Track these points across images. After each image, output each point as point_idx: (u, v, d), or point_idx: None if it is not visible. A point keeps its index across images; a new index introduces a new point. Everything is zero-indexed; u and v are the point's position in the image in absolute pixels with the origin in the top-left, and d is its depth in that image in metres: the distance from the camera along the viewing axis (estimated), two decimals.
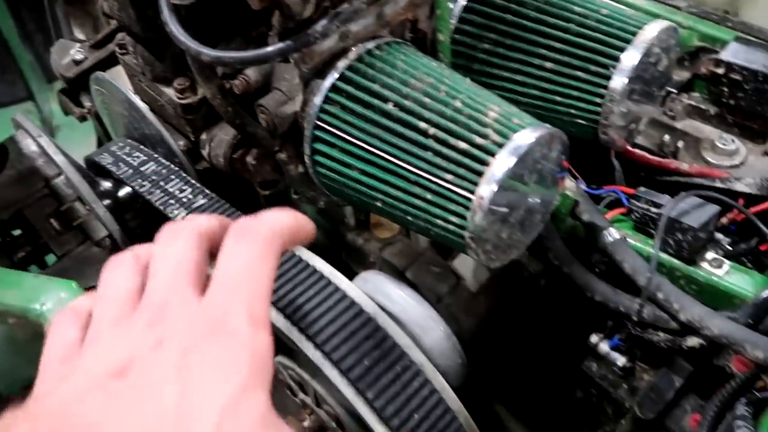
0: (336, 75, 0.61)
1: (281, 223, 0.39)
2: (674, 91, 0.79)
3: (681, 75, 0.80)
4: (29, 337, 1.13)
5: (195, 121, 0.81)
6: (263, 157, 0.80)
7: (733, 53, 0.73)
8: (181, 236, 0.38)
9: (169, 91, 0.81)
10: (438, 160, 0.54)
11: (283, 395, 0.80)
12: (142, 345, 0.32)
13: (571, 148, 0.81)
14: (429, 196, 0.55)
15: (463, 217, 0.53)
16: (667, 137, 0.76)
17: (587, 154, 0.79)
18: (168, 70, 0.80)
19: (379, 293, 0.76)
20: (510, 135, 0.53)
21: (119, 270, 0.38)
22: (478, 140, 0.53)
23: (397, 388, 0.53)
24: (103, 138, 1.06)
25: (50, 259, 0.77)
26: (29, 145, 0.75)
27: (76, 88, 1.05)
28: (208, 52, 0.61)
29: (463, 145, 0.53)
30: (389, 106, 0.57)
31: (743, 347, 0.51)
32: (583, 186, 0.70)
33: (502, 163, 0.51)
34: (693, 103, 0.79)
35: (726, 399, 0.52)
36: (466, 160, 0.53)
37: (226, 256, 0.36)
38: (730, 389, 0.52)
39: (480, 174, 0.52)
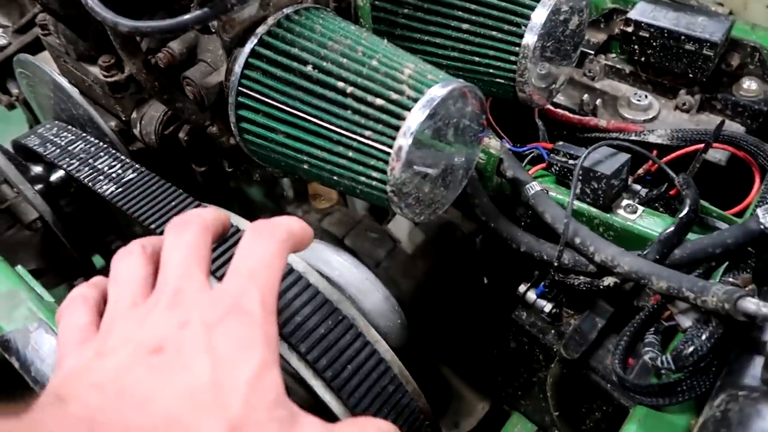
0: (255, 41, 0.61)
1: (293, 227, 0.42)
2: (591, 52, 0.82)
3: (598, 37, 0.84)
4: None
5: (124, 100, 0.80)
6: (195, 132, 0.80)
7: (641, 12, 0.76)
8: (190, 227, 0.40)
9: (95, 70, 0.80)
10: (357, 118, 0.56)
11: None
12: (168, 325, 0.35)
13: (498, 109, 0.84)
14: (351, 153, 0.56)
15: (383, 172, 0.55)
16: (586, 96, 0.80)
17: (513, 115, 0.82)
18: (92, 48, 0.79)
19: (317, 260, 0.77)
20: (424, 90, 0.55)
21: (130, 259, 0.40)
22: (394, 96, 0.55)
23: (329, 341, 0.55)
24: (34, 124, 1.04)
25: None
26: None
27: (1, 75, 1.02)
28: (125, 23, 0.61)
29: (379, 101, 0.55)
30: (308, 69, 0.58)
31: (650, 280, 0.54)
32: (508, 145, 0.73)
33: (416, 117, 0.53)
34: (610, 63, 0.83)
35: (636, 330, 0.55)
36: (383, 116, 0.54)
37: (244, 249, 0.39)
38: (639, 320, 0.55)
39: (396, 128, 0.54)
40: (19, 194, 0.71)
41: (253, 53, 0.61)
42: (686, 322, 0.53)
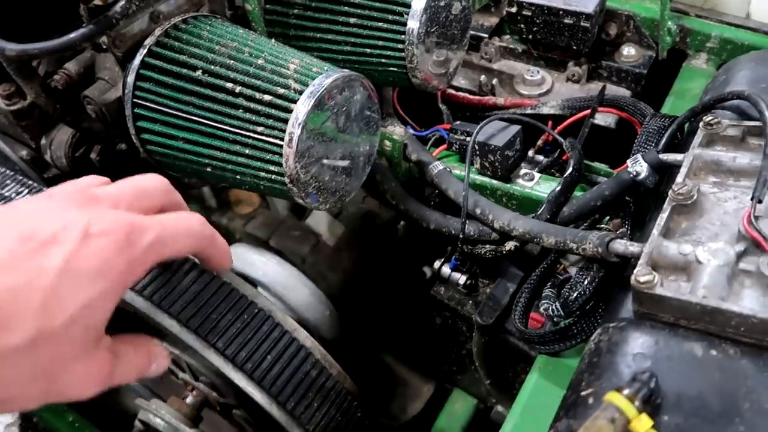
0: (144, 52, 0.62)
1: (206, 235, 0.48)
2: (485, 35, 0.86)
3: (490, 20, 0.88)
4: None
5: (30, 127, 0.80)
6: (106, 151, 0.80)
7: None
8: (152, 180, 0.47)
9: None
10: (248, 116, 0.57)
11: (170, 382, 0.80)
12: (59, 218, 0.40)
13: (405, 98, 0.87)
14: (248, 150, 0.58)
15: (279, 165, 0.57)
16: (483, 77, 0.84)
17: (419, 102, 0.85)
18: None
19: (240, 262, 0.78)
20: (309, 82, 0.57)
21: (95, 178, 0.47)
22: (281, 91, 0.57)
23: (246, 334, 0.56)
24: None
25: None
26: None
27: None
28: (12, 47, 0.61)
29: (267, 97, 0.57)
30: (198, 74, 0.60)
31: (540, 237, 0.57)
32: (411, 130, 0.76)
33: (302, 107, 0.55)
34: (503, 44, 0.87)
35: (534, 286, 0.58)
36: (272, 111, 0.56)
37: (177, 214, 0.47)
38: (536, 277, 0.58)
39: (286, 121, 0.56)
40: None
41: (144, 64, 0.62)
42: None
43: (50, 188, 0.45)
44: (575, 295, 0.50)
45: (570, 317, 0.51)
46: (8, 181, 0.72)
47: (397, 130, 0.75)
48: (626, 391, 0.35)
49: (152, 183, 0.47)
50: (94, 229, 0.39)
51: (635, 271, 0.43)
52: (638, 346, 0.40)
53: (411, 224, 0.72)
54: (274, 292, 0.75)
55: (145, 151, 0.66)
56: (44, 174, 0.85)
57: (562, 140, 0.69)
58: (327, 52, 0.73)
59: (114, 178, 0.75)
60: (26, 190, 0.71)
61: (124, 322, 0.56)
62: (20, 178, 0.73)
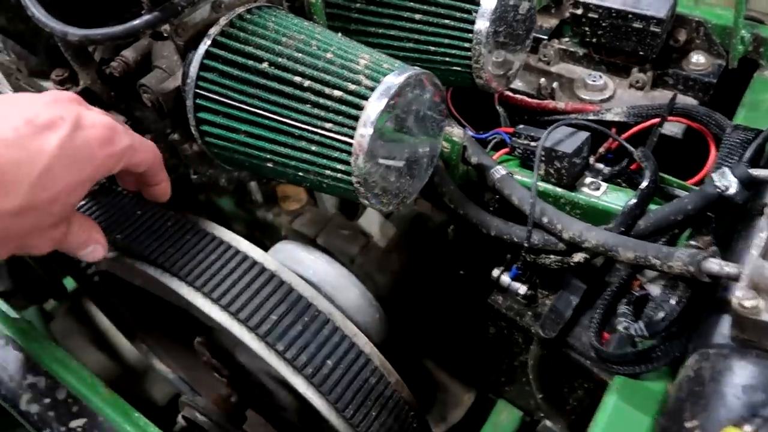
0: (209, 42, 0.61)
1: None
2: (545, 37, 0.83)
3: (550, 22, 0.85)
4: None
5: None
6: (157, 141, 0.78)
7: None
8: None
9: (49, 85, 0.78)
10: (316, 111, 0.55)
11: (211, 379, 0.79)
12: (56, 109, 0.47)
13: (459, 98, 0.85)
14: (314, 147, 0.56)
15: (347, 164, 0.55)
16: (543, 81, 0.81)
17: (474, 103, 0.82)
18: (44, 62, 0.77)
19: (290, 260, 0.76)
20: (380, 78, 0.55)
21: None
22: (352, 87, 0.55)
23: (306, 337, 0.54)
24: None
25: None
26: None
27: None
28: (74, 32, 0.60)
29: (337, 93, 0.55)
30: (264, 66, 0.58)
31: (616, 251, 0.55)
32: (470, 132, 0.74)
33: (375, 106, 0.53)
34: (563, 47, 0.84)
35: (609, 303, 0.56)
36: (343, 107, 0.54)
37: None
38: (611, 293, 0.56)
39: (356, 119, 0.54)
40: None
41: (208, 54, 0.60)
42: (656, 289, 0.54)
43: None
44: (662, 315, 0.47)
45: (653, 338, 0.49)
46: None
47: (455, 132, 0.72)
48: (748, 428, 0.33)
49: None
50: (83, 121, 0.47)
51: (737, 295, 0.40)
52: (747, 377, 0.37)
53: (468, 229, 0.70)
54: (324, 292, 0.73)
55: (203, 143, 0.65)
56: None
57: (633, 150, 0.66)
58: (388, 48, 0.71)
59: (167, 168, 0.73)
60: None
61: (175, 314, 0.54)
62: None
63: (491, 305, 0.69)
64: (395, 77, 0.55)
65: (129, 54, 0.70)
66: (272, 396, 0.69)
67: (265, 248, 0.88)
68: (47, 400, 0.44)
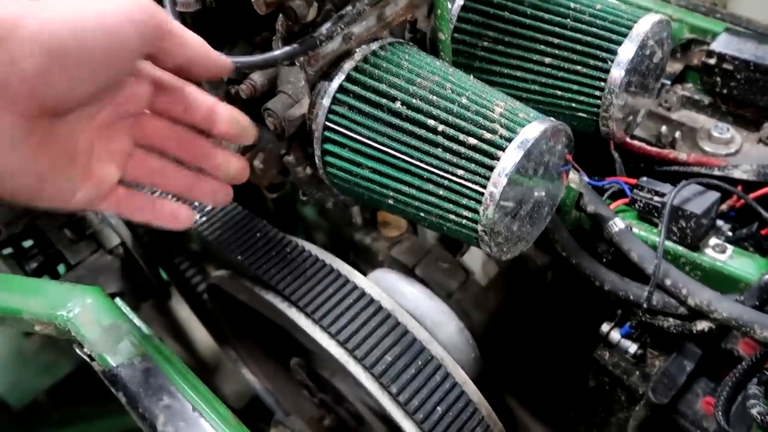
0: (343, 76, 0.62)
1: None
2: (668, 82, 0.81)
3: (673, 67, 0.82)
4: (36, 348, 1.13)
5: None
6: (270, 160, 0.81)
7: (724, 44, 0.75)
8: None
9: None
10: (449, 156, 0.55)
11: (299, 396, 0.81)
12: None
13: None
14: (441, 191, 0.56)
15: (475, 211, 0.54)
16: (664, 128, 0.78)
17: (587, 146, 0.80)
18: None
19: (391, 291, 0.77)
20: (517, 129, 0.54)
21: None
22: (487, 135, 0.54)
23: (419, 381, 0.54)
24: None
25: (61, 269, 0.78)
26: None
27: None
28: None
29: (472, 140, 0.55)
30: (397, 105, 0.58)
31: (752, 328, 0.52)
32: (586, 178, 0.72)
33: (511, 157, 0.53)
34: (687, 93, 0.81)
35: (738, 380, 0.53)
36: (476, 155, 0.54)
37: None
38: (742, 370, 0.53)
39: (490, 168, 0.53)
40: (102, 221, 0.73)
41: (341, 89, 0.62)
42: None
43: None
44: None
45: None
46: None
47: (572, 177, 0.71)
48: None
49: None
50: None
51: None
52: None
53: (578, 279, 0.68)
54: (425, 326, 0.74)
55: (324, 172, 0.66)
56: None
57: (766, 214, 0.63)
58: (512, 89, 0.70)
59: (274, 187, 0.75)
60: None
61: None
62: None
63: (596, 360, 0.67)
64: (532, 128, 0.54)
65: (257, 78, 0.72)
66: (364, 425, 0.70)
67: (360, 270, 0.90)
68: (182, 423, 0.46)
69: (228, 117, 0.52)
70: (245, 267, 0.62)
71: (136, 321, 0.53)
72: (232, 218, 0.69)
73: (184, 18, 0.64)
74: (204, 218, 0.68)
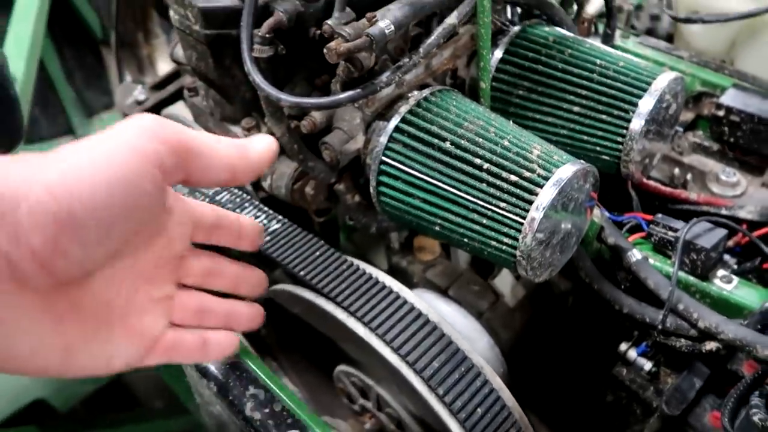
0: (399, 118, 0.71)
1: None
2: (680, 129, 0.90)
3: (686, 116, 0.92)
4: None
5: None
6: (319, 187, 0.90)
7: (732, 98, 0.84)
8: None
9: (236, 129, 0.91)
10: (492, 191, 0.64)
11: (336, 404, 0.88)
12: None
13: None
14: (485, 221, 0.65)
15: (515, 239, 0.63)
16: (677, 170, 0.87)
17: (607, 185, 0.89)
18: (237, 111, 0.90)
19: (431, 308, 0.85)
20: (553, 170, 0.63)
21: None
22: (526, 174, 0.63)
23: (462, 386, 0.62)
24: None
25: None
26: None
27: None
28: (287, 98, 0.72)
29: (513, 178, 0.64)
30: (447, 145, 0.67)
31: (755, 347, 0.60)
32: (607, 213, 0.81)
33: (547, 193, 0.61)
34: (697, 140, 0.90)
35: (742, 393, 0.61)
36: (517, 191, 0.63)
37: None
38: (745, 384, 0.61)
39: (529, 202, 0.62)
40: None
41: (396, 129, 0.71)
42: None
43: None
44: None
45: None
46: (246, 205, 0.83)
47: (595, 212, 0.79)
48: None
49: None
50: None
51: None
52: None
53: (595, 302, 0.76)
54: None
55: (378, 201, 0.75)
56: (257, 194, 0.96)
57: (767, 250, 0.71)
58: (543, 132, 0.79)
59: (322, 212, 0.83)
60: (263, 215, 0.81)
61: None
62: (257, 203, 0.84)
63: (615, 376, 0.75)
64: (566, 170, 0.63)
65: (318, 116, 0.81)
66: (404, 429, 0.77)
67: None
68: (267, 410, 0.53)
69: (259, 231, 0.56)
70: (306, 281, 0.71)
71: None
72: (294, 237, 0.77)
73: (258, 63, 0.74)
74: (267, 237, 0.77)
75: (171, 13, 0.80)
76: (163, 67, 1.45)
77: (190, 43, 0.81)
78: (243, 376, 0.56)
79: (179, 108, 1.06)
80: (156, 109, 1.11)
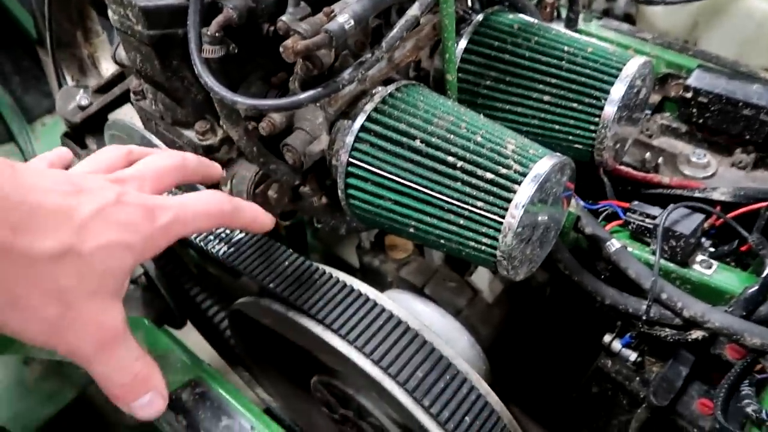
0: (364, 116, 0.67)
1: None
2: (648, 112, 0.88)
3: (653, 98, 0.90)
4: (38, 376, 1.13)
5: (215, 161, 0.86)
6: (283, 190, 0.85)
7: (699, 79, 0.83)
8: (171, 159, 0.56)
9: (190, 134, 0.85)
10: (468, 190, 0.61)
11: (314, 413, 0.84)
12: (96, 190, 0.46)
13: None
14: (462, 221, 0.62)
15: (494, 239, 0.60)
16: (648, 155, 0.86)
17: (579, 173, 0.87)
18: (189, 115, 0.84)
19: (404, 309, 0.82)
20: (529, 165, 0.60)
21: (113, 149, 0.56)
22: (503, 170, 0.60)
23: (448, 394, 0.59)
24: None
25: None
26: None
27: (81, 131, 1.07)
28: (243, 101, 0.67)
29: (489, 175, 0.61)
30: (417, 143, 0.64)
31: (743, 336, 0.59)
32: (582, 202, 0.79)
33: (526, 190, 0.59)
34: (665, 122, 0.89)
35: (732, 383, 0.60)
36: (494, 189, 0.60)
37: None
38: (735, 374, 0.60)
39: (508, 200, 0.59)
40: None
41: (362, 128, 0.67)
42: None
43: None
44: None
45: None
46: None
47: (570, 202, 0.77)
48: None
49: (169, 162, 0.55)
50: (124, 198, 0.46)
51: None
52: None
53: (579, 294, 0.75)
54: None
55: (347, 204, 0.71)
56: None
57: (747, 234, 0.70)
58: (514, 123, 0.76)
59: (287, 215, 0.78)
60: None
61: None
62: None
63: (600, 368, 0.74)
64: (544, 164, 0.60)
65: (277, 117, 0.76)
66: None
67: None
68: None
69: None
70: (275, 293, 0.66)
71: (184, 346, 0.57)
72: (260, 247, 0.73)
73: (209, 63, 0.68)
74: (232, 249, 0.72)
75: (110, 13, 0.73)
76: (108, 66, 1.36)
77: (133, 44, 0.75)
78: (213, 406, 0.52)
79: (126, 112, 0.99)
80: (101, 114, 1.04)
